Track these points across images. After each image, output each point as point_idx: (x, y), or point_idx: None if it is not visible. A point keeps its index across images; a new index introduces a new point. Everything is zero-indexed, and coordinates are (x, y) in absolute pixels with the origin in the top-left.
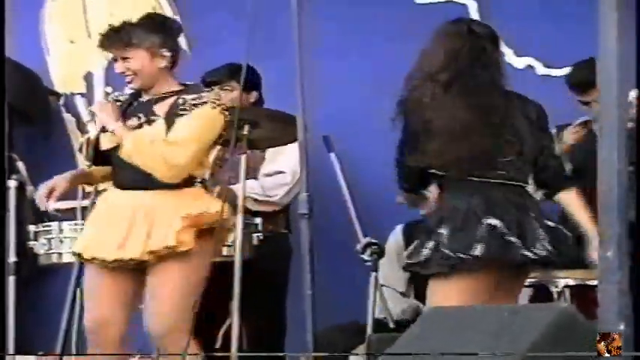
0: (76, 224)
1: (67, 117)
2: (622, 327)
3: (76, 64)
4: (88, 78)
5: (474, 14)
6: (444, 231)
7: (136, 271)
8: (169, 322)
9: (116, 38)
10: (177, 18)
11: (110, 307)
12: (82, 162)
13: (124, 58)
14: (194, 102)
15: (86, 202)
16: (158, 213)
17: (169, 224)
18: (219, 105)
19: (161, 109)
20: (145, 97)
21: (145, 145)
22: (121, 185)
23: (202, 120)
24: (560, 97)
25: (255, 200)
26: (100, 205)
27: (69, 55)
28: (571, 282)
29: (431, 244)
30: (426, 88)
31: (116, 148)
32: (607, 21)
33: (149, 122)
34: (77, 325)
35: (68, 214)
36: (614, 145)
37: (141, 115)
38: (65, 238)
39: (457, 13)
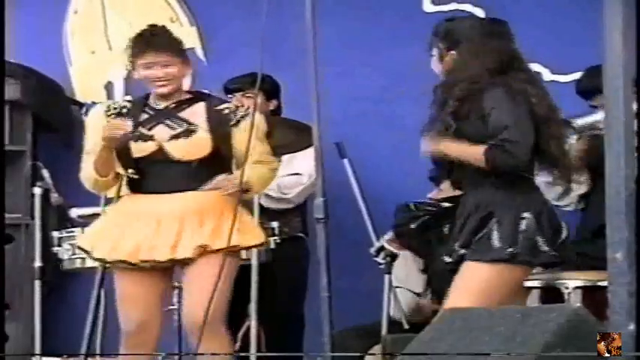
0: None
1: None
2: (632, 327)
3: (97, 74)
4: (109, 87)
5: None
6: (531, 222)
7: (165, 271)
8: (214, 313)
9: (163, 42)
10: (194, 28)
11: (149, 308)
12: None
13: (165, 64)
14: (244, 113)
15: (108, 209)
16: (206, 213)
17: (223, 224)
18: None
19: (194, 117)
20: (159, 104)
21: (258, 172)
22: (159, 190)
23: (260, 128)
24: (566, 102)
25: (269, 196)
26: (124, 211)
27: (90, 66)
28: (581, 283)
29: (525, 236)
30: (522, 76)
31: (149, 154)
32: (612, 30)
33: (190, 131)
34: (101, 327)
35: (91, 220)
36: (622, 150)
37: (171, 122)
38: None
39: None
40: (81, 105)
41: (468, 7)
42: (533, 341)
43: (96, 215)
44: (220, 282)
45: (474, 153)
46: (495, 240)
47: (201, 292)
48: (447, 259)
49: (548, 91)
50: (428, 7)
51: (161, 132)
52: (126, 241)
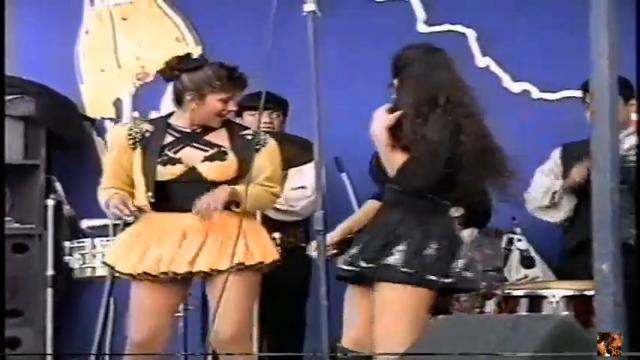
0: (108, 240)
1: (98, 140)
2: None
3: (106, 92)
4: (117, 104)
5: (473, 43)
6: (436, 248)
7: (180, 284)
8: (241, 329)
9: (243, 84)
10: (199, 47)
11: (162, 319)
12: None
13: (232, 102)
14: (263, 138)
15: (118, 220)
16: (230, 230)
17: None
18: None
19: (217, 140)
20: (184, 127)
21: (255, 192)
22: (184, 208)
23: (276, 154)
24: (553, 119)
25: (278, 210)
26: (149, 227)
27: (100, 83)
28: (568, 292)
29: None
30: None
31: (177, 177)
32: (598, 50)
33: (223, 153)
34: (110, 332)
35: (100, 231)
36: (608, 166)
37: (200, 145)
38: (98, 253)
39: (457, 42)
40: (93, 121)
41: (459, 28)
42: (523, 348)
43: (105, 226)
44: (246, 299)
45: (396, 159)
46: (395, 261)
47: (228, 311)
48: (345, 267)
49: (483, 123)
50: (421, 27)
51: (190, 154)
52: (150, 255)
